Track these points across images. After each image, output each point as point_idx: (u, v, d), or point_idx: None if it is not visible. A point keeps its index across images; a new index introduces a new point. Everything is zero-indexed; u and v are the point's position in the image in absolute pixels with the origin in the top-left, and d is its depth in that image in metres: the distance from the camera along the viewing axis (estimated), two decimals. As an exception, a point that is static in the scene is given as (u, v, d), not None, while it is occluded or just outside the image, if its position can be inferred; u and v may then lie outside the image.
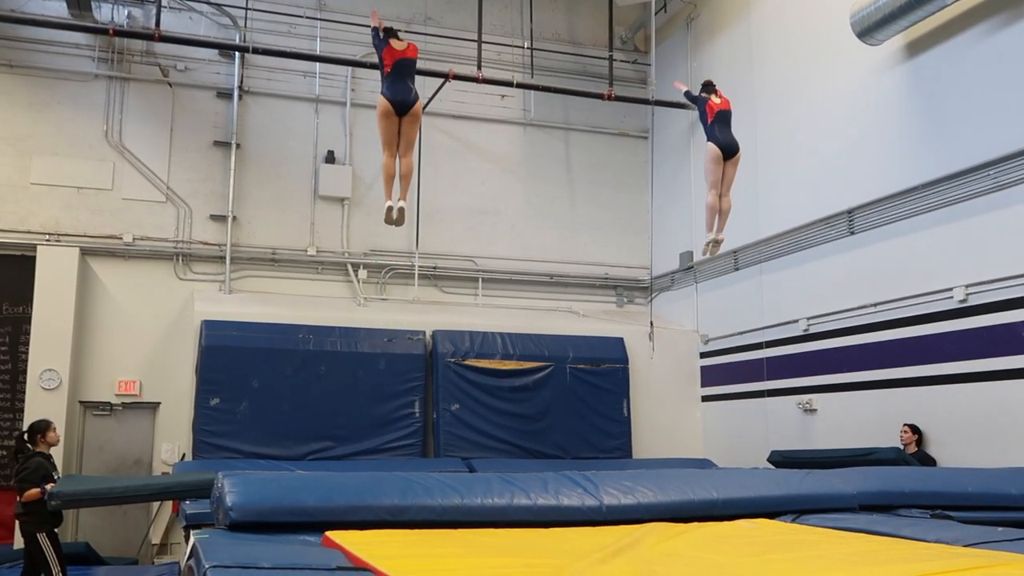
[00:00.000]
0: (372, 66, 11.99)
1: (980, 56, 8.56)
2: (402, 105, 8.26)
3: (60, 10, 11.45)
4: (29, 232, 11.29)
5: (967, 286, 8.51)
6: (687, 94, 9.84)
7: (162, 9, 10.76)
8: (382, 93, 8.32)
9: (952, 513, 6.29)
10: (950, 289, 8.67)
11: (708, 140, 9.36)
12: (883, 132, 9.65)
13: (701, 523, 5.68)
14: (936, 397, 8.80)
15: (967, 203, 8.57)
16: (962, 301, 8.56)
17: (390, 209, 8.49)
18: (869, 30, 9.19)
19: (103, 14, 11.91)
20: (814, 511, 6.17)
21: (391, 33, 8.57)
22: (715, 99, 9.39)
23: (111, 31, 10.74)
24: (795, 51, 11.05)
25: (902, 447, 8.81)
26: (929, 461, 8.61)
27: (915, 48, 9.32)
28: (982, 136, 8.42)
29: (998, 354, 8.17)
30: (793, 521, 5.99)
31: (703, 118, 9.44)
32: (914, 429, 8.85)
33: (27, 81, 11.61)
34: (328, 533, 4.91)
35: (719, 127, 9.29)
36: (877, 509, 6.44)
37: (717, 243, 9.47)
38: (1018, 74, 8.16)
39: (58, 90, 11.72)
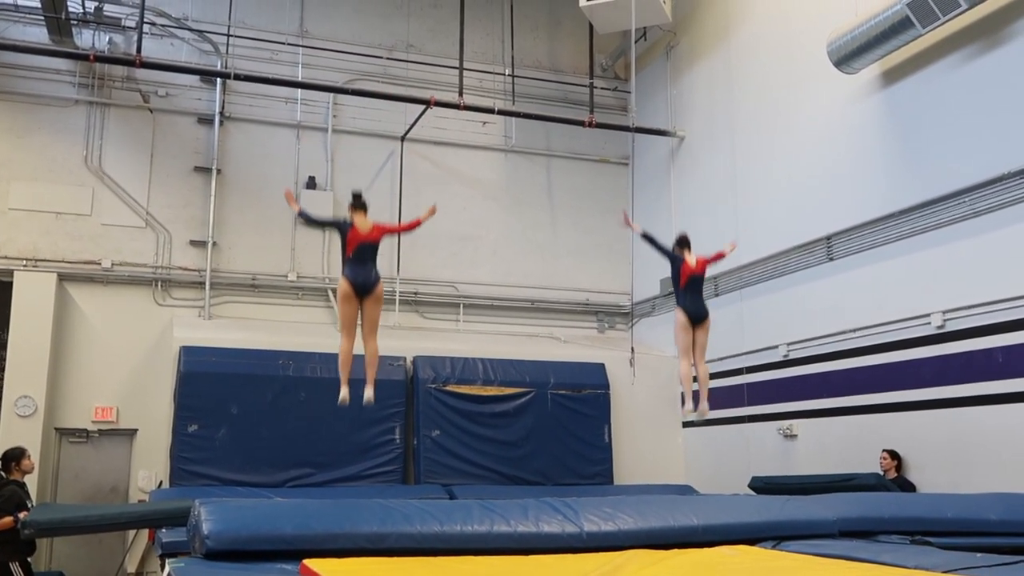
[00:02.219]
0: (354, 93, 12.11)
1: (955, 84, 8.69)
2: (363, 287, 8.00)
3: (41, 36, 11.44)
4: (6, 257, 11.20)
5: (944, 312, 8.57)
6: (647, 237, 9.22)
7: (143, 35, 10.80)
8: (343, 275, 8.03)
9: (932, 539, 6.29)
10: (928, 315, 8.73)
11: (677, 304, 9.12)
12: (861, 159, 9.76)
13: (682, 550, 5.66)
14: (915, 423, 8.84)
15: (944, 229, 8.65)
16: (940, 327, 8.63)
17: (344, 400, 8.06)
18: (846, 59, 9.32)
19: (84, 40, 11.90)
20: (794, 537, 6.16)
21: (359, 204, 8.22)
22: (690, 260, 9.02)
23: (92, 57, 10.74)
24: (773, 79, 11.17)
25: (882, 473, 8.84)
26: (908, 487, 8.64)
27: (891, 76, 9.44)
28: (958, 163, 8.53)
29: (976, 379, 8.23)
30: (774, 547, 5.98)
31: (675, 280, 9.07)
32: (893, 455, 8.88)
33: (7, 106, 11.56)
34: (306, 561, 4.86)
35: (690, 294, 9.00)
36: (857, 535, 6.44)
37: (702, 414, 9.21)
38: (992, 102, 8.28)
39: (38, 115, 11.68)
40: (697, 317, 9.05)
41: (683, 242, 9.20)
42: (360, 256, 8.06)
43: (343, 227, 8.17)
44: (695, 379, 9.10)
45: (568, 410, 11.81)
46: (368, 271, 8.06)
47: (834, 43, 9.38)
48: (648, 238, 9.24)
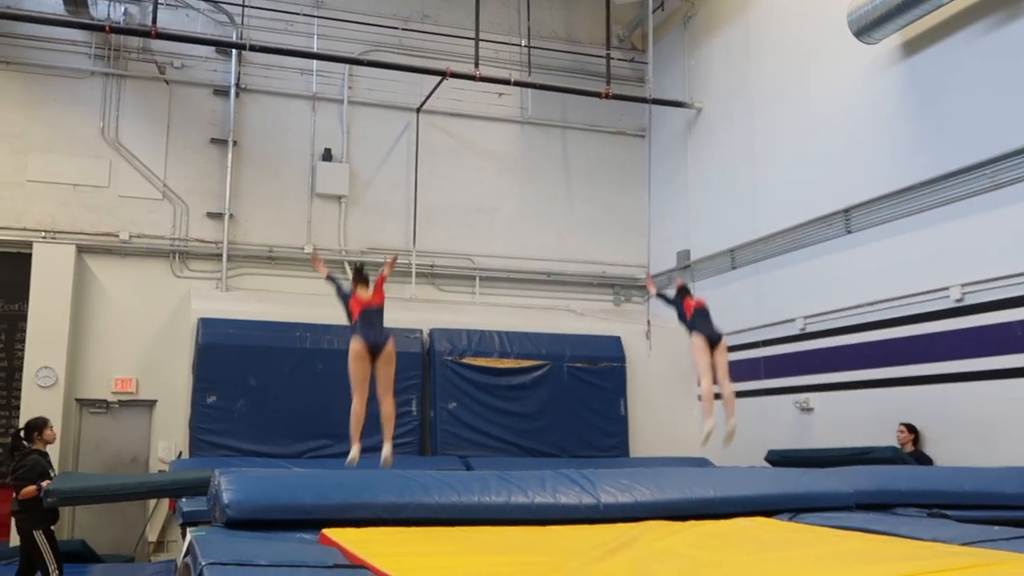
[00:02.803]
0: (370, 64, 12.07)
1: (977, 54, 8.56)
2: (375, 346, 8.00)
3: (56, 7, 11.42)
4: (25, 229, 11.26)
5: (963, 285, 8.51)
6: (660, 295, 10.19)
7: (159, 6, 10.78)
8: (355, 335, 8.04)
9: (949, 512, 6.30)
10: (946, 288, 8.67)
11: (691, 332, 9.46)
12: (880, 131, 9.66)
13: (698, 521, 5.69)
14: (933, 396, 8.80)
15: (964, 202, 8.57)
16: (958, 300, 8.57)
17: (353, 460, 7.99)
18: (866, 28, 9.19)
19: (99, 11, 11.87)
20: (811, 510, 6.18)
21: (360, 277, 8.41)
22: (691, 299, 9.62)
23: (107, 28, 10.73)
24: (792, 49, 11.05)
25: (899, 446, 8.82)
26: (925, 460, 8.62)
27: (912, 47, 9.32)
28: (979, 135, 8.43)
29: (994, 353, 8.18)
30: (790, 520, 6.00)
31: (682, 316, 9.62)
32: (910, 428, 8.86)
33: (23, 78, 11.58)
34: (325, 531, 4.91)
35: (699, 321, 9.44)
36: (874, 508, 6.46)
37: (731, 434, 9.18)
38: (1015, 73, 8.16)
39: (54, 87, 11.69)
40: (713, 339, 9.33)
41: (682, 291, 9.84)
42: (367, 319, 8.14)
43: (346, 298, 8.37)
44: (718, 396, 9.28)
45: (584, 383, 11.83)
46: (377, 331, 8.11)
47: (854, 12, 9.25)
48: (661, 296, 10.21)
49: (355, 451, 8.04)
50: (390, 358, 8.14)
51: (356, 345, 8.00)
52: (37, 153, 11.51)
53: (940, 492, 6.65)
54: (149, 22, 10.63)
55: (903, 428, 8.89)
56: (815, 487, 6.44)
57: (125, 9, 12.05)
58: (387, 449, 8.15)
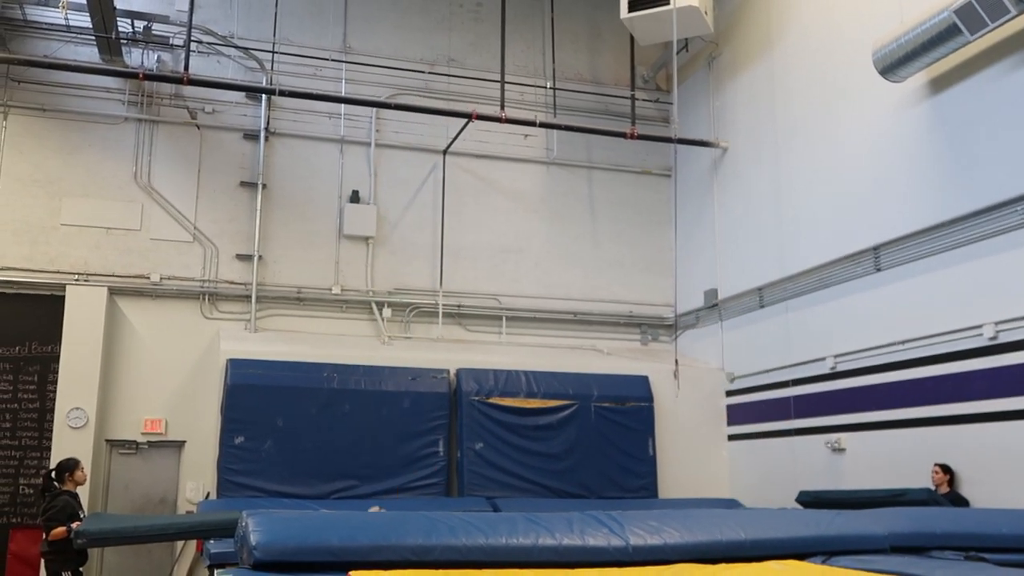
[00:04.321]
0: (397, 107, 12.22)
1: (1004, 92, 8.53)
2: None
3: (91, 55, 11.70)
4: (59, 272, 11.43)
5: (997, 323, 8.40)
6: None
7: (191, 54, 10.99)
8: None
9: (986, 555, 6.15)
10: (980, 326, 8.56)
11: None
12: (908, 168, 9.61)
13: (729, 564, 5.59)
14: (967, 436, 8.66)
15: (995, 239, 8.49)
16: (992, 338, 8.45)
17: None
18: (892, 67, 9.20)
19: (133, 59, 12.14)
20: (845, 552, 6.05)
21: None
22: None
23: (141, 75, 10.96)
24: (817, 88, 11.06)
25: (933, 487, 8.66)
26: (961, 501, 8.46)
27: (938, 84, 9.30)
28: (1008, 172, 8.37)
29: (1030, 392, 8.05)
30: (823, 562, 5.88)
31: None
32: (945, 469, 8.71)
33: (59, 124, 11.83)
34: (352, 573, 4.88)
35: None
36: (909, 551, 6.32)
37: None
38: (1044, 109, 8.12)
39: (89, 133, 11.93)
40: None
41: None
42: None
43: None
44: None
45: (612, 423, 11.75)
46: None
47: (879, 51, 9.26)
48: None
49: None
50: None
51: None
52: (71, 198, 11.72)
53: (977, 535, 6.50)
54: (181, 69, 10.85)
55: (938, 469, 8.73)
56: (848, 529, 6.32)
57: (158, 56, 12.31)
58: None
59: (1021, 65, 8.39)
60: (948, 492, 8.57)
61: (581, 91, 13.74)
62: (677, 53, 13.03)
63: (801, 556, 5.96)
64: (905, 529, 6.48)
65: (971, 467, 8.60)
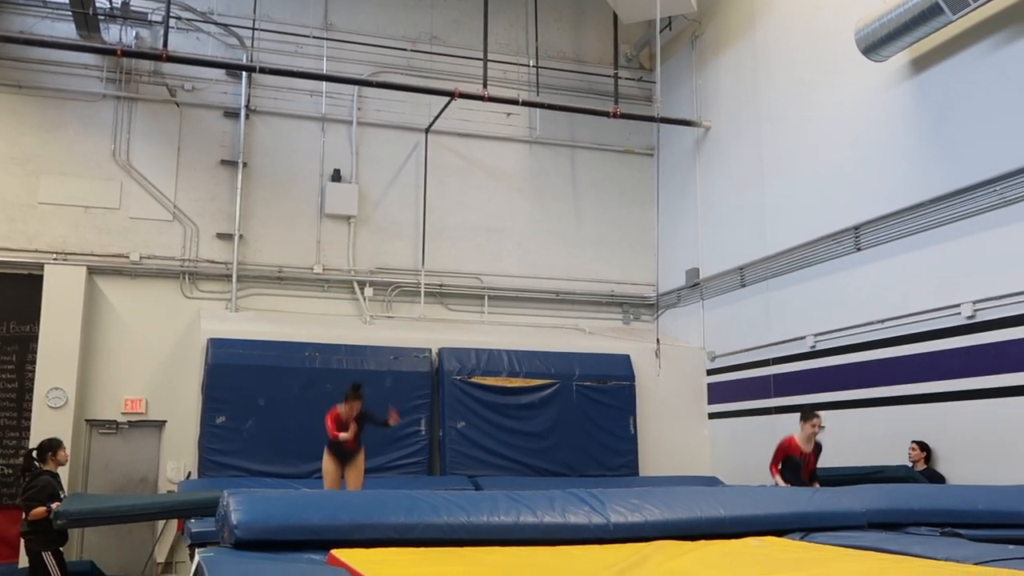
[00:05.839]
0: (379, 85, 12.14)
1: (985, 71, 8.56)
2: (343, 458, 8.98)
3: (69, 31, 11.54)
4: (37, 251, 11.33)
5: (975, 302, 8.47)
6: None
7: (169, 30, 10.87)
8: (328, 450, 8.97)
9: (962, 531, 6.23)
10: (958, 305, 8.63)
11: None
12: (889, 148, 9.65)
13: (709, 541, 5.64)
14: (944, 414, 8.75)
15: (974, 219, 8.55)
16: (970, 317, 8.53)
17: None
18: (874, 46, 9.20)
19: (111, 35, 11.99)
20: (823, 529, 6.11)
21: (356, 395, 8.96)
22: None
23: (119, 52, 10.82)
24: (800, 68, 11.07)
25: (911, 464, 8.76)
26: (938, 478, 8.56)
27: (920, 64, 9.33)
28: (989, 151, 8.41)
29: (1007, 370, 8.12)
30: (802, 539, 5.94)
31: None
32: (922, 446, 8.80)
33: (36, 102, 11.68)
34: (334, 551, 4.89)
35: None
36: (886, 527, 6.39)
37: None
38: (1023, 90, 8.15)
39: (66, 110, 11.79)
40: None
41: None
42: (340, 447, 8.91)
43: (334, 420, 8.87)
44: None
45: (593, 402, 11.80)
46: (346, 453, 8.94)
47: (862, 31, 9.27)
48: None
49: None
50: (359, 467, 9.01)
51: (327, 458, 8.95)
52: (49, 176, 11.59)
53: (953, 511, 6.58)
54: (160, 46, 10.73)
55: (915, 446, 8.83)
56: (826, 506, 6.38)
57: (136, 33, 12.16)
58: None
59: (1002, 45, 8.42)
60: (925, 469, 8.67)
61: (564, 70, 13.69)
62: (660, 32, 13.00)
63: (780, 533, 6.02)
64: (882, 505, 6.55)
65: (947, 444, 8.70)
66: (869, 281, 9.79)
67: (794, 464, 8.77)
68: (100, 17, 11.60)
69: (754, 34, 11.95)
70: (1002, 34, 8.41)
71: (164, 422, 11.39)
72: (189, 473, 10.76)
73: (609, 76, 12.90)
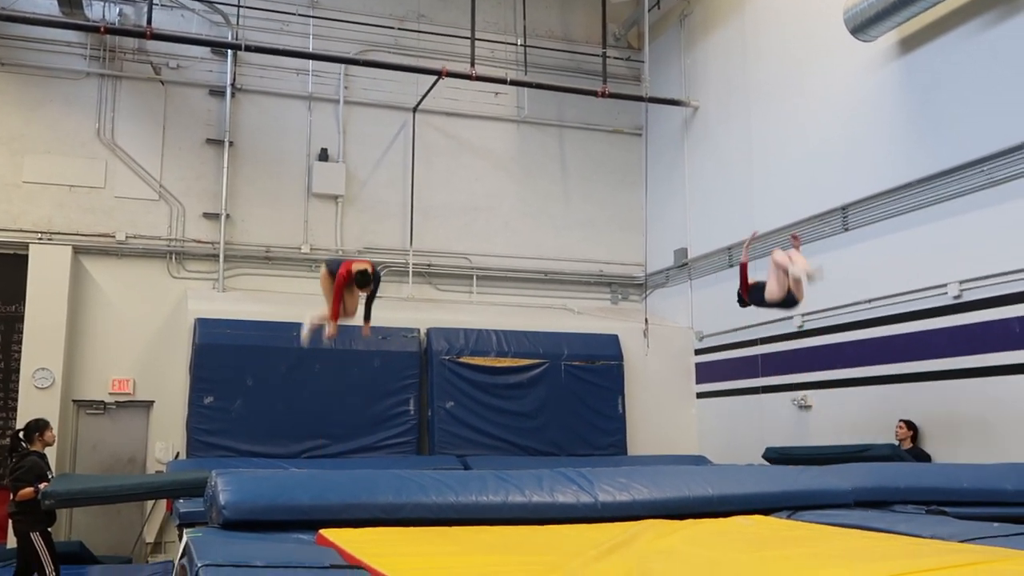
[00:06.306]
0: (366, 64, 12.05)
1: (974, 52, 8.56)
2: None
3: (51, 8, 11.38)
4: (22, 231, 11.24)
5: (961, 282, 8.51)
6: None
7: (153, 7, 10.75)
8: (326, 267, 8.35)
9: (947, 509, 6.29)
10: (944, 285, 8.67)
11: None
12: (877, 128, 9.65)
13: (697, 520, 5.68)
14: (931, 393, 8.81)
15: (961, 199, 8.57)
16: (956, 297, 8.57)
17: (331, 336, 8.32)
18: (862, 26, 9.18)
19: (94, 12, 11.84)
20: (810, 507, 6.17)
21: (364, 281, 8.25)
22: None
23: (102, 29, 10.70)
24: (789, 47, 11.04)
25: (897, 443, 8.82)
26: (924, 457, 8.62)
27: (909, 44, 9.31)
28: (976, 132, 8.43)
29: (993, 350, 8.18)
30: (789, 517, 5.99)
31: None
32: (909, 425, 8.86)
33: (18, 79, 11.55)
34: (322, 531, 4.90)
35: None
36: (873, 505, 6.45)
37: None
38: (1011, 70, 8.16)
39: (50, 88, 11.66)
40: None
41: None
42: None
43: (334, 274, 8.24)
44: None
45: (582, 381, 11.82)
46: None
47: (851, 10, 9.24)
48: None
49: (331, 327, 8.24)
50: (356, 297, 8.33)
51: (325, 275, 8.34)
52: (33, 155, 11.48)
53: (939, 489, 6.64)
54: (144, 23, 10.61)
55: (902, 425, 8.89)
56: (813, 485, 6.44)
57: (120, 10, 12.02)
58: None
59: (990, 25, 8.41)
60: (911, 448, 8.73)
61: (552, 48, 13.61)
62: (649, 10, 12.95)
63: (767, 511, 6.07)
64: (869, 484, 6.61)
65: (934, 423, 8.76)
66: (856, 261, 9.81)
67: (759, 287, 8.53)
68: (83, -6, 11.45)
69: (743, 13, 11.91)
70: (990, 14, 8.41)
71: (152, 402, 11.35)
72: (177, 453, 10.74)
73: (597, 55, 12.83)
